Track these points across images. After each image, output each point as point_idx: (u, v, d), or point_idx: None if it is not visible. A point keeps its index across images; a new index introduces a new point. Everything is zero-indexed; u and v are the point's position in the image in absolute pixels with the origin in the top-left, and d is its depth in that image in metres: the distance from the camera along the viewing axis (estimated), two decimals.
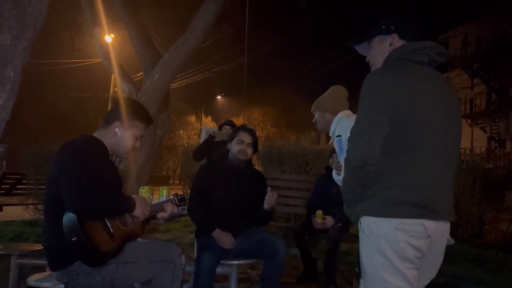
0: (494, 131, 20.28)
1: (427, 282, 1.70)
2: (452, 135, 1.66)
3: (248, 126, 3.36)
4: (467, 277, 4.06)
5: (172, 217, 2.63)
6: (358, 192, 1.64)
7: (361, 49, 1.95)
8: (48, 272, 2.29)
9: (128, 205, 2.08)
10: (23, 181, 7.26)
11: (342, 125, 2.54)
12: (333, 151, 4.57)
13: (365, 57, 1.93)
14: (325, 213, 4.09)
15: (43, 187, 6.57)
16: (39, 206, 6.80)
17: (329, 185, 4.40)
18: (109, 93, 22.44)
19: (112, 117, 2.22)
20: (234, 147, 3.05)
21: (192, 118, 31.99)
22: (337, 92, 2.81)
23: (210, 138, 4.73)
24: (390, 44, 1.75)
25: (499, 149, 18.41)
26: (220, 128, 4.91)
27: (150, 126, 2.45)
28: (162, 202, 2.41)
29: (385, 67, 1.71)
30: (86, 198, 1.86)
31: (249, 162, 3.16)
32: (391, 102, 1.55)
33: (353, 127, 1.62)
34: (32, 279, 2.23)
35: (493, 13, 15.77)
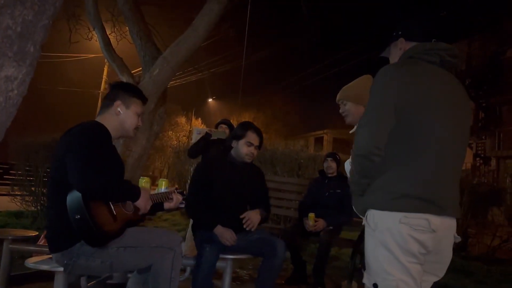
0: (479, 148, 20.63)
1: (434, 279, 1.71)
2: (460, 134, 1.70)
3: None
4: (455, 287, 4.14)
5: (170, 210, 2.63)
6: (363, 182, 1.67)
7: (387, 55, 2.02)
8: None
9: (133, 193, 2.10)
10: (10, 171, 7.17)
11: None
12: (328, 155, 4.63)
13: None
14: (317, 216, 4.11)
15: (32, 178, 6.51)
16: (26, 197, 6.71)
17: (322, 188, 4.45)
18: (99, 90, 22.31)
19: (111, 98, 2.25)
20: (243, 149, 2.94)
21: (182, 120, 31.85)
22: (370, 82, 2.63)
23: (207, 136, 4.73)
24: (400, 49, 1.83)
25: (484, 166, 18.72)
26: (216, 126, 4.92)
27: (146, 117, 2.48)
28: (168, 192, 2.42)
29: (396, 62, 1.79)
30: (93, 176, 1.88)
31: None
32: (398, 95, 1.60)
33: (361, 118, 1.67)
34: (30, 262, 2.21)
35: (484, 33, 16.11)
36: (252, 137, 2.95)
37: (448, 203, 1.62)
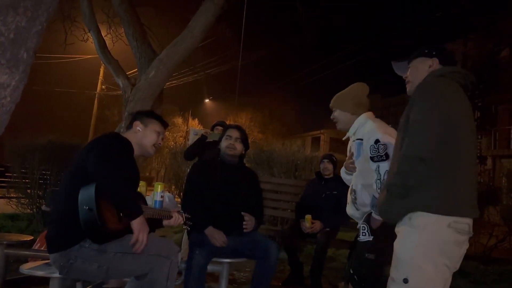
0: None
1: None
2: (475, 146, 1.91)
3: None
4: (451, 287, 4.13)
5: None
6: (409, 184, 1.76)
7: (398, 68, 2.20)
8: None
9: (135, 206, 2.04)
10: (6, 174, 7.13)
11: (368, 129, 2.52)
12: (324, 157, 4.62)
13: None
14: (314, 218, 4.12)
15: (27, 180, 6.47)
16: (22, 200, 6.67)
17: (319, 190, 4.45)
18: (96, 90, 22.22)
19: (132, 120, 2.47)
20: (223, 143, 3.09)
21: (179, 120, 31.77)
22: (359, 90, 2.71)
23: (202, 138, 4.72)
24: (430, 66, 2.02)
25: (480, 166, 18.78)
26: (212, 128, 4.91)
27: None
28: (169, 211, 2.45)
29: (437, 78, 1.92)
30: (111, 166, 1.95)
31: (241, 160, 3.16)
32: (449, 106, 1.78)
33: (418, 122, 1.77)
34: (25, 268, 2.19)
35: (480, 32, 16.16)
36: (230, 131, 3.12)
37: (477, 206, 1.81)
